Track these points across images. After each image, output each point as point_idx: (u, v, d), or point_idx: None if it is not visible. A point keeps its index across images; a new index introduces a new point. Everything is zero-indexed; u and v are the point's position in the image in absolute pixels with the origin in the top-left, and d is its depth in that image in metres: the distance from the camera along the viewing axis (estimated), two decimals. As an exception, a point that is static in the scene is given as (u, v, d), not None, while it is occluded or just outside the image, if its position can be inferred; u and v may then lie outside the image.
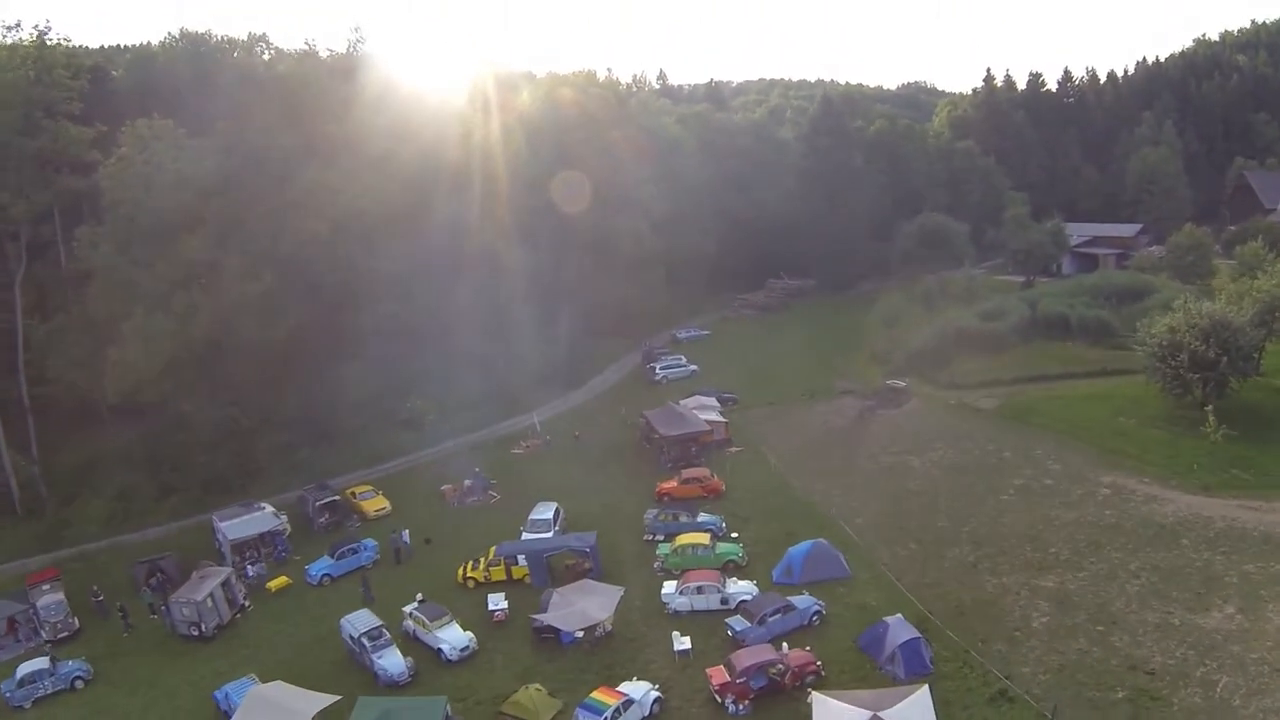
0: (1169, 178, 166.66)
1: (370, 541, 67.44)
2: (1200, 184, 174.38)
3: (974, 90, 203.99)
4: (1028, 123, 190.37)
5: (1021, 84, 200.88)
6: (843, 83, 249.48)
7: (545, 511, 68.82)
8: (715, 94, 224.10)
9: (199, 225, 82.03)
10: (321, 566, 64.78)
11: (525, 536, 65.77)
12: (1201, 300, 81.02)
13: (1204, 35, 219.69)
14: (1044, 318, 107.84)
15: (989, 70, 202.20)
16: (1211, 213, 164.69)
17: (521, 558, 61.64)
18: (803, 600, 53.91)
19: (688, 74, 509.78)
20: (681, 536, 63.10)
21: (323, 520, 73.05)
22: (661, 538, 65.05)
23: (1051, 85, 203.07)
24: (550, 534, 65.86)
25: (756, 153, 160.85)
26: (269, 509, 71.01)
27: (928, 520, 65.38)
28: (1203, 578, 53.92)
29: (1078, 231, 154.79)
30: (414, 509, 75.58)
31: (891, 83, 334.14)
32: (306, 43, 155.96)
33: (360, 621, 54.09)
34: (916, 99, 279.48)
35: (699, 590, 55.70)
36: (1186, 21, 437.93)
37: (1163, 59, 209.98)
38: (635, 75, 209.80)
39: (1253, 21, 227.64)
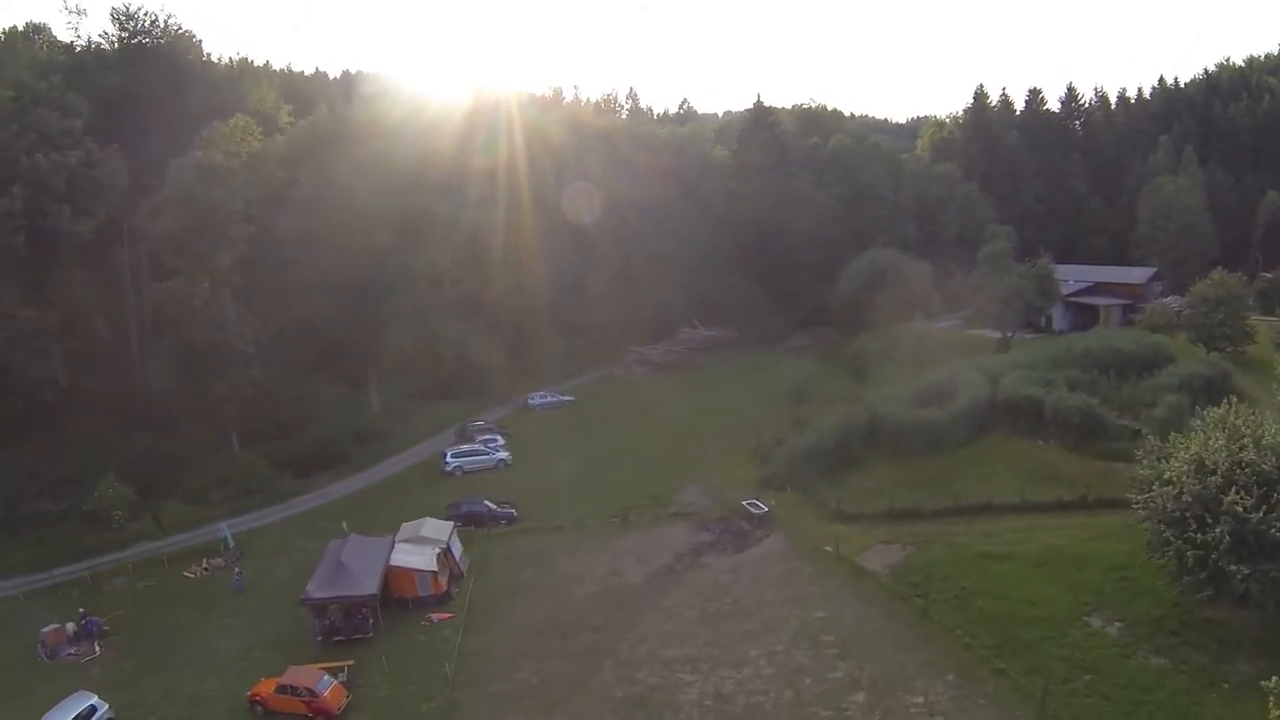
0: (1189, 212, 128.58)
1: None
2: (1226, 221, 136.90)
3: (964, 110, 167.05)
4: (1024, 146, 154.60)
5: (1019, 104, 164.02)
6: (847, 112, 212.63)
7: (65, 713, 42.83)
8: (688, 120, 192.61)
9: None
10: None
11: None
12: (1258, 410, 43.85)
13: (1228, 59, 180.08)
14: (1006, 402, 71.21)
15: (980, 87, 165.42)
16: (1239, 255, 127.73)
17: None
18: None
19: (667, 99, 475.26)
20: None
21: None
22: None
23: (1054, 105, 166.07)
24: None
25: (679, 173, 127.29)
26: None
27: None
28: None
29: (1075, 276, 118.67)
30: (16, 651, 52.51)
31: (900, 115, 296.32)
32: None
33: None
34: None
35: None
36: (1204, 45, 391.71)
37: (1183, 82, 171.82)
38: (607, 94, 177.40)
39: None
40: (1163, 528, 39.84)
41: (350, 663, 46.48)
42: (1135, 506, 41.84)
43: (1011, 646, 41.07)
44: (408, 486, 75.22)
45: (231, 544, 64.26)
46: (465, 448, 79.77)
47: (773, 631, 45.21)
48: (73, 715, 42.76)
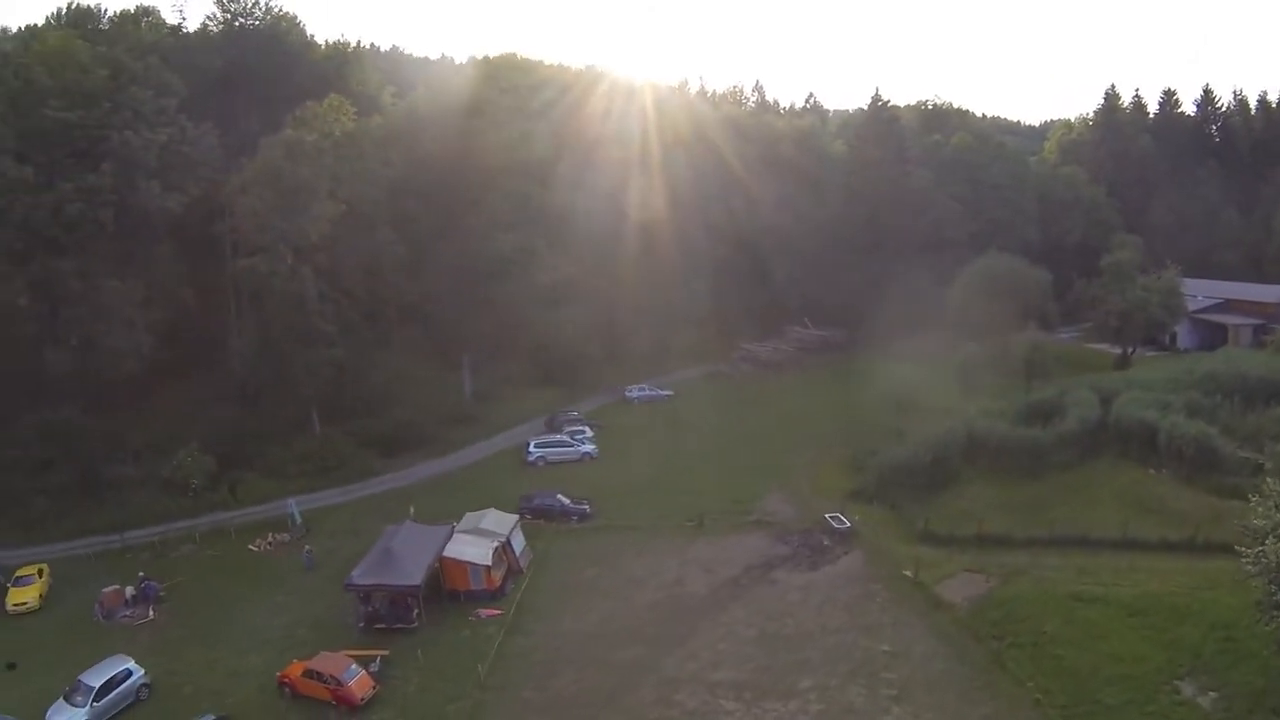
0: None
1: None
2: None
3: (1094, 111, 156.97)
4: (1155, 151, 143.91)
5: (1153, 106, 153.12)
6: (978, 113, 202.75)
7: (99, 675, 42.50)
8: (815, 114, 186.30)
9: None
10: None
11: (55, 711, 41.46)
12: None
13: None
14: (1117, 425, 65.02)
15: (1112, 87, 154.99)
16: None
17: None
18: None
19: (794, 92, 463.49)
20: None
21: None
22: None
23: (1189, 107, 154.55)
24: (84, 711, 40.91)
25: (800, 166, 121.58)
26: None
27: None
28: None
29: (1203, 291, 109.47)
30: (73, 609, 53.00)
31: (1033, 118, 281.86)
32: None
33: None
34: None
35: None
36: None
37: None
38: (733, 86, 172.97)
39: None
40: (1274, 588, 34.12)
41: (385, 653, 45.02)
42: (1244, 561, 35.97)
43: (1087, 709, 36.35)
44: (488, 474, 72.99)
45: (298, 520, 63.46)
46: (550, 438, 77.67)
47: (831, 662, 41.47)
48: (106, 677, 42.60)
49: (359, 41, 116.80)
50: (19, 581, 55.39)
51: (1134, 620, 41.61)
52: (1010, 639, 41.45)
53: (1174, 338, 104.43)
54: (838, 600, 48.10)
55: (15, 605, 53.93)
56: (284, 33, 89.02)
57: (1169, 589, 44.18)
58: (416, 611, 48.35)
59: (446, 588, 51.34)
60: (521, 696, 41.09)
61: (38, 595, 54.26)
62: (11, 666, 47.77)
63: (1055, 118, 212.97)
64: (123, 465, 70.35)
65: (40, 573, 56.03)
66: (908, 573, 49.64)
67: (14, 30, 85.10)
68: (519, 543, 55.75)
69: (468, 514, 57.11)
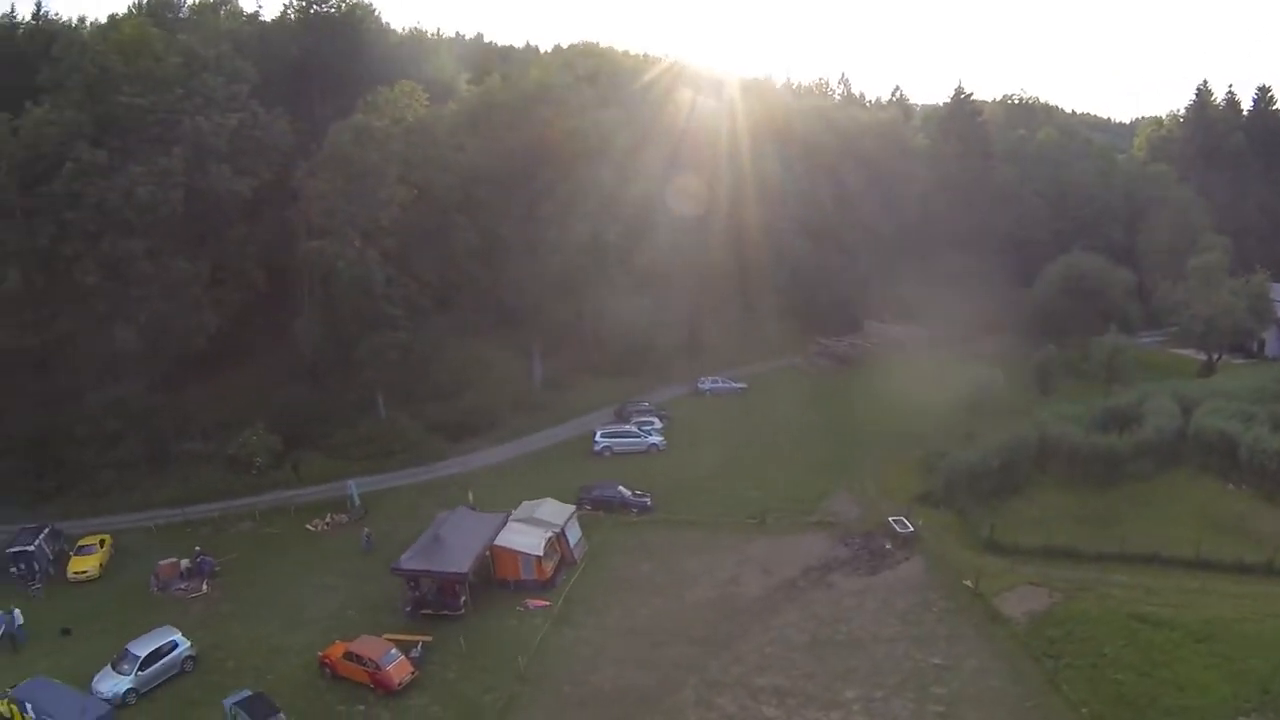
0: None
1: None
2: None
3: (1185, 107, 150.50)
4: (1249, 150, 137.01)
5: (1247, 103, 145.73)
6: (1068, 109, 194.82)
7: (146, 645, 43.68)
8: (900, 108, 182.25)
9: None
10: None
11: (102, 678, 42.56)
12: None
13: None
14: (1197, 435, 61.89)
15: (1204, 83, 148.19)
16: None
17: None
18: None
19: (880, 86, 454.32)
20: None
21: (12, 572, 54.86)
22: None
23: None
24: (129, 679, 41.95)
25: (880, 160, 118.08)
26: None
27: None
28: None
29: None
30: (132, 579, 54.55)
31: (1124, 115, 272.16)
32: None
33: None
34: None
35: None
36: None
37: None
38: (819, 80, 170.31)
39: None
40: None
41: (428, 638, 44.98)
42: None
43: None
44: (552, 462, 72.55)
45: (357, 502, 63.73)
46: (617, 428, 76.76)
47: (880, 673, 40.11)
48: (153, 648, 43.51)
49: (438, 30, 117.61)
50: (81, 550, 56.88)
51: (1200, 647, 39.41)
52: (1067, 659, 39.53)
53: (1262, 345, 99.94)
54: (893, 607, 46.59)
55: (76, 573, 55.36)
56: (359, 20, 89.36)
57: (1241, 615, 41.80)
58: (464, 599, 48.04)
59: (497, 576, 51.04)
60: (559, 690, 40.64)
61: (98, 564, 55.69)
62: (66, 632, 49.01)
63: (1146, 114, 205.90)
64: (191, 442, 72.03)
65: (102, 543, 57.49)
66: (968, 582, 47.84)
67: (95, 21, 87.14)
68: (574, 534, 55.17)
69: (524, 502, 56.72)
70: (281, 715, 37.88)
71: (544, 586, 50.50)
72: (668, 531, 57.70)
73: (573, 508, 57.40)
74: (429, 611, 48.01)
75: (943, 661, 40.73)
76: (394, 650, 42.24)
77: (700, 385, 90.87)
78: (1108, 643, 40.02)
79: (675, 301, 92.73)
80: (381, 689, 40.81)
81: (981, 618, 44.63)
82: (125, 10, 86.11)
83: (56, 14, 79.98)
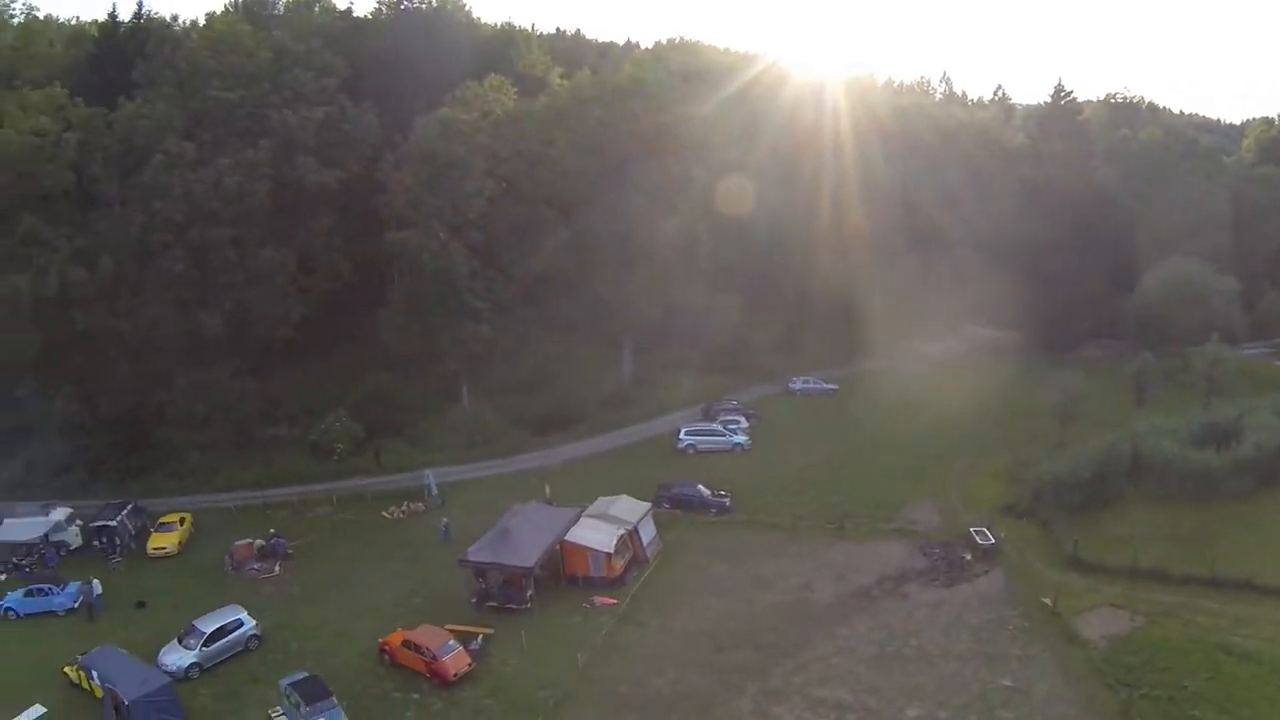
0: None
1: (74, 586, 51.27)
2: None
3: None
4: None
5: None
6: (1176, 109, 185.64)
7: (212, 622, 44.89)
8: (1001, 107, 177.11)
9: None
10: (10, 600, 50.97)
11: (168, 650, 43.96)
12: None
13: None
14: (1302, 453, 58.18)
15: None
16: None
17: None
18: None
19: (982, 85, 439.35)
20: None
21: (95, 545, 57.58)
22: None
23: None
24: (193, 654, 43.19)
25: (980, 159, 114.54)
26: (61, 516, 58.66)
27: None
28: None
29: None
30: (208, 558, 56.22)
31: (1235, 116, 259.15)
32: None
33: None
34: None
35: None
36: None
37: None
38: (920, 78, 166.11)
39: None
40: None
41: (489, 631, 44.77)
42: None
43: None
44: (635, 458, 71.73)
45: (435, 492, 64.01)
46: (701, 426, 75.94)
47: (945, 692, 38.22)
48: (218, 625, 44.59)
49: (533, 25, 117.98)
50: (162, 528, 58.79)
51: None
52: (1145, 689, 36.99)
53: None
54: (967, 623, 44.41)
55: (155, 549, 57.33)
56: (450, 14, 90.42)
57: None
58: (530, 593, 47.66)
59: (566, 572, 50.63)
60: (616, 691, 39.87)
61: (177, 542, 57.36)
62: (141, 605, 50.74)
63: (1256, 115, 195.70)
64: (275, 427, 73.51)
65: (182, 521, 59.22)
66: (1046, 600, 45.44)
67: (191, 20, 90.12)
68: (648, 532, 54.39)
69: (600, 498, 56.09)
70: (333, 698, 37.92)
71: (613, 584, 49.89)
72: (745, 533, 56.61)
73: (648, 505, 56.56)
74: (494, 604, 47.87)
75: (1013, 684, 38.53)
76: (452, 641, 42.17)
77: (791, 385, 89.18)
78: (1189, 675, 37.39)
79: (770, 300, 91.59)
80: (437, 679, 40.76)
81: (1058, 639, 42.18)
82: (221, 8, 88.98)
83: (156, 13, 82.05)
